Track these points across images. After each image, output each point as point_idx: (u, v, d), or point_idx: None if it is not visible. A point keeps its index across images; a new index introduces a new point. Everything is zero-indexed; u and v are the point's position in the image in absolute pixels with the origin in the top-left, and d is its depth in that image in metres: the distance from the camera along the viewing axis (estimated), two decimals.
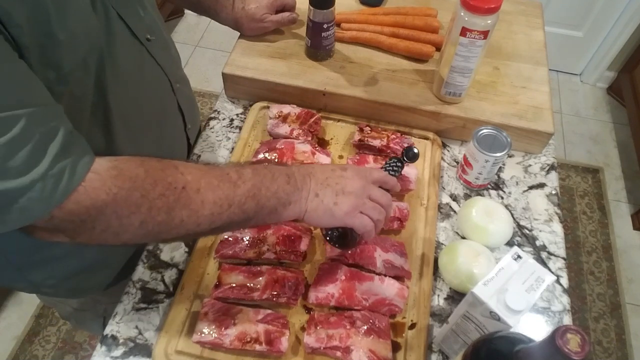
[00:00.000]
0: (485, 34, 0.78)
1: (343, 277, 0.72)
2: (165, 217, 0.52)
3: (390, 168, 0.71)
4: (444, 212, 0.85)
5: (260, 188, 0.57)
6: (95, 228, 0.49)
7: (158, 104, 0.74)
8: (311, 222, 0.61)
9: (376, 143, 0.87)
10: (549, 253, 0.81)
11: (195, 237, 0.77)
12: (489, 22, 0.77)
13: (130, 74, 0.64)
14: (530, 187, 0.89)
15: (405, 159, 0.72)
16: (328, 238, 0.67)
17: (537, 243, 0.82)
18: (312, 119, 0.90)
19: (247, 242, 0.75)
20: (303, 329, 0.69)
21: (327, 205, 0.60)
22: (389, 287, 0.71)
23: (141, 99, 0.68)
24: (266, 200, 0.58)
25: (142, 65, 0.67)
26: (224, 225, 0.56)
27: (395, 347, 0.68)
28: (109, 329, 0.71)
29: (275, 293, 0.70)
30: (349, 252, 0.74)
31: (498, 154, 0.79)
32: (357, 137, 0.88)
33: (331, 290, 0.71)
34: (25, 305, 1.66)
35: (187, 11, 2.66)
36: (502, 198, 0.88)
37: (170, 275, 0.76)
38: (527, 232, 0.83)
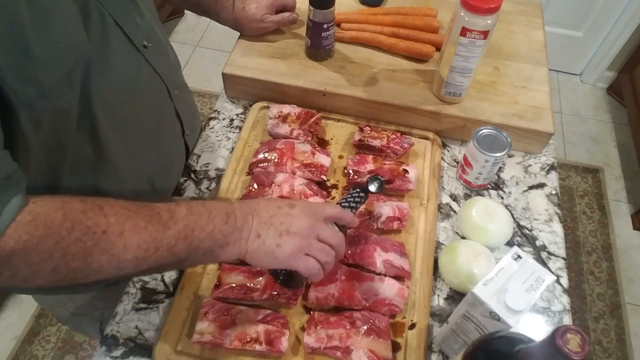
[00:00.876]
0: (485, 34, 0.78)
1: (343, 277, 0.72)
2: (81, 264, 0.49)
3: (352, 199, 0.67)
4: (444, 212, 0.85)
5: (194, 229, 0.54)
6: (2, 274, 0.47)
7: (155, 111, 0.73)
8: (253, 263, 0.59)
9: (376, 143, 0.87)
10: (549, 253, 0.81)
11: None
12: (489, 22, 0.77)
13: (124, 81, 0.63)
14: (530, 187, 0.89)
15: (369, 189, 0.68)
16: (274, 276, 0.63)
17: (537, 243, 0.82)
18: (312, 119, 0.90)
19: None
20: (303, 329, 0.69)
21: (268, 247, 0.57)
22: (389, 287, 0.71)
23: (136, 106, 0.68)
24: (199, 241, 0.55)
25: (138, 73, 0.66)
26: (152, 268, 0.54)
27: (395, 347, 0.68)
28: (109, 329, 0.71)
29: (275, 293, 0.70)
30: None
31: (498, 154, 0.79)
32: (357, 137, 0.88)
33: (331, 290, 0.71)
34: (25, 305, 1.66)
35: (187, 11, 2.66)
36: (502, 198, 0.88)
37: (170, 275, 0.76)
38: (527, 232, 0.83)
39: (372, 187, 0.68)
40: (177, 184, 0.86)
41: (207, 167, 0.89)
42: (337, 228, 0.63)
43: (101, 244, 0.49)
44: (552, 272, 0.76)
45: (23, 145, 0.53)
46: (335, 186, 0.86)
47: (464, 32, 0.78)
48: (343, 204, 0.67)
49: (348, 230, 0.76)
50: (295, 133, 0.89)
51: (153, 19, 0.71)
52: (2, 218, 0.45)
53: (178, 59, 0.86)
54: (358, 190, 0.68)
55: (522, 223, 0.84)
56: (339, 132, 0.93)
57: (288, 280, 0.62)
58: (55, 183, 0.62)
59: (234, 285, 0.70)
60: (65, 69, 0.52)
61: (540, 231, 0.83)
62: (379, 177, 0.69)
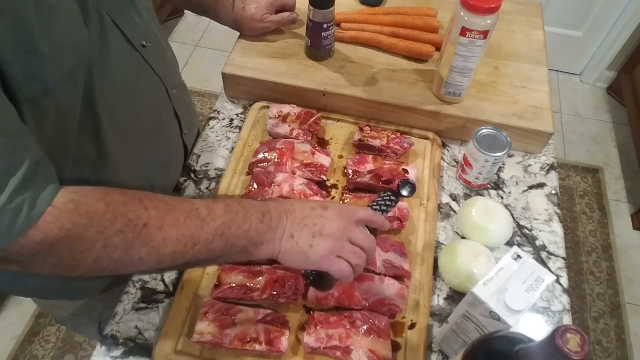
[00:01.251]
0: (485, 34, 0.78)
1: None
2: (122, 255, 0.50)
3: (383, 202, 0.66)
4: (444, 212, 0.85)
5: (231, 226, 0.55)
6: (47, 262, 0.48)
7: (153, 111, 0.73)
8: (285, 263, 0.59)
9: (376, 143, 0.87)
10: (549, 253, 0.81)
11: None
12: (489, 22, 0.77)
13: (124, 81, 0.63)
14: (530, 187, 0.89)
15: (401, 193, 0.67)
16: (305, 277, 0.63)
17: (537, 243, 0.82)
18: (312, 119, 0.90)
19: None
20: (303, 329, 0.69)
21: (302, 248, 0.57)
22: (389, 287, 0.71)
23: (136, 106, 0.68)
24: (236, 239, 0.55)
25: (137, 73, 0.66)
26: (189, 263, 0.55)
27: (395, 347, 0.68)
28: (109, 329, 0.71)
29: (275, 293, 0.70)
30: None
31: (498, 154, 0.79)
32: (357, 137, 0.88)
33: (331, 290, 0.71)
34: (25, 305, 1.66)
35: (187, 11, 2.66)
36: (502, 198, 0.88)
37: (170, 275, 0.76)
38: (527, 232, 0.83)
39: (405, 192, 0.67)
40: (176, 184, 0.86)
41: (207, 167, 0.89)
42: (368, 231, 0.62)
43: (142, 237, 0.50)
44: (552, 272, 0.76)
45: None
46: (335, 186, 0.86)
47: (464, 32, 0.78)
48: (374, 207, 0.66)
49: None
50: (295, 133, 0.89)
51: (151, 19, 0.71)
52: (39, 203, 0.45)
53: (176, 58, 0.86)
54: (389, 193, 0.67)
55: (522, 223, 0.84)
56: (339, 132, 0.93)
57: (318, 281, 0.62)
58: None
59: (234, 285, 0.70)
60: (68, 67, 0.52)
61: (540, 231, 0.83)
62: (411, 181, 0.68)
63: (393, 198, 0.67)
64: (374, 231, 0.64)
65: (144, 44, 0.66)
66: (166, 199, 0.54)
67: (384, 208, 0.66)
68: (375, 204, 0.67)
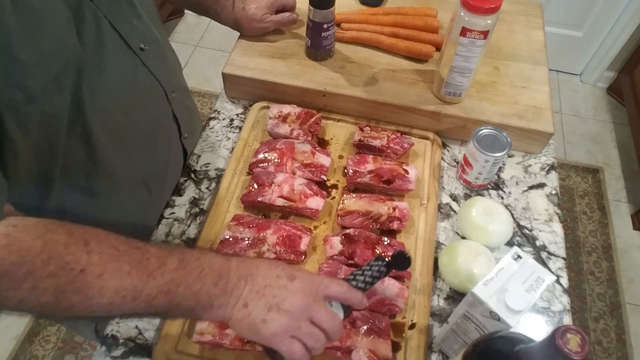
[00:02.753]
0: (485, 34, 0.78)
1: (343, 277, 0.72)
2: (50, 299, 0.46)
3: (370, 272, 0.59)
4: (444, 212, 0.85)
5: (180, 284, 0.50)
6: None
7: (150, 114, 0.72)
8: (236, 331, 0.55)
9: (376, 143, 0.87)
10: (549, 253, 0.81)
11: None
12: (489, 22, 0.77)
13: (119, 84, 0.63)
14: (530, 187, 0.89)
15: (396, 264, 0.60)
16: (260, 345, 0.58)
17: (537, 243, 0.82)
18: (312, 119, 0.90)
19: (247, 242, 0.75)
20: None
21: (253, 320, 0.52)
22: (389, 287, 0.71)
23: (132, 109, 0.67)
24: (182, 299, 0.51)
25: (133, 75, 0.66)
26: (126, 315, 0.51)
27: (395, 347, 0.68)
28: (109, 329, 0.71)
29: None
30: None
31: (498, 154, 0.79)
32: (357, 137, 0.88)
33: None
34: None
35: (187, 11, 2.66)
36: (502, 198, 0.88)
37: None
38: (527, 232, 0.83)
39: (398, 266, 0.60)
40: (174, 187, 0.86)
41: (207, 167, 0.89)
42: (339, 307, 0.57)
43: (76, 283, 0.46)
44: (552, 272, 0.76)
45: (11, 149, 0.53)
46: (335, 186, 0.86)
47: (464, 32, 0.78)
48: (358, 277, 0.59)
49: (350, 230, 0.76)
50: (295, 133, 0.89)
51: (152, 21, 0.71)
52: None
53: (179, 60, 0.86)
54: (380, 263, 0.60)
55: (522, 223, 0.84)
56: (339, 132, 0.93)
57: (271, 352, 0.56)
58: (47, 186, 0.61)
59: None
60: (53, 73, 0.51)
61: (540, 231, 0.83)
62: (406, 254, 0.60)
63: (383, 269, 0.60)
64: (347, 307, 0.58)
65: (142, 47, 0.66)
66: (118, 242, 0.50)
67: (369, 280, 0.59)
68: (360, 272, 0.60)
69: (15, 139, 0.52)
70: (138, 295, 0.49)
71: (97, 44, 0.57)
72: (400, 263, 0.60)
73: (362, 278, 0.59)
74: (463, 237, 0.81)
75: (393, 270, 0.60)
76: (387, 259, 0.61)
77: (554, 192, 0.89)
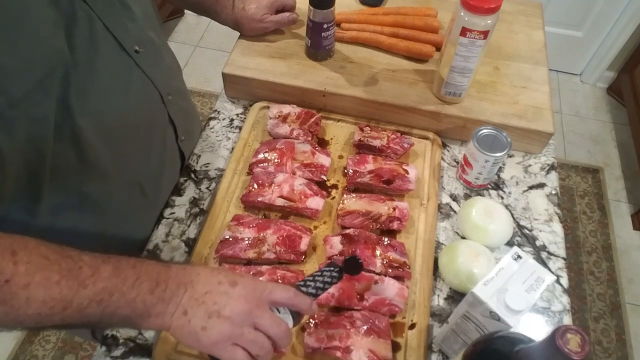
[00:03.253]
0: (485, 34, 0.78)
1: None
2: None
3: (321, 278, 0.59)
4: (444, 212, 0.85)
5: (113, 293, 0.49)
6: None
7: (144, 117, 0.71)
8: (177, 339, 0.53)
9: (376, 143, 0.87)
10: (549, 253, 0.81)
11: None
12: (489, 22, 0.77)
13: (112, 86, 0.62)
14: (530, 187, 0.89)
15: (347, 269, 0.60)
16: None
17: (537, 243, 0.82)
18: (312, 119, 0.90)
19: (247, 242, 0.75)
20: (303, 328, 0.69)
21: (193, 328, 0.51)
22: (389, 287, 0.71)
23: (125, 111, 0.66)
24: (116, 308, 0.49)
25: (128, 78, 0.65)
26: (58, 325, 0.50)
27: (395, 347, 0.68)
28: (109, 329, 0.71)
29: None
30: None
31: (498, 154, 0.79)
32: (357, 137, 0.88)
33: (331, 290, 0.71)
34: None
35: (187, 11, 2.66)
36: (502, 198, 0.88)
37: None
38: (527, 232, 0.83)
39: (350, 270, 0.60)
40: (171, 190, 0.86)
41: (207, 167, 0.89)
42: (287, 313, 0.56)
43: (1, 294, 0.45)
44: (552, 272, 0.76)
45: None
46: (335, 186, 0.86)
47: (464, 32, 0.78)
48: (307, 283, 0.59)
49: (350, 230, 0.76)
50: (295, 133, 0.89)
51: (149, 23, 0.71)
52: None
53: (177, 62, 0.85)
54: (332, 269, 0.60)
55: (522, 223, 0.84)
56: (339, 132, 0.93)
57: None
58: (36, 190, 0.61)
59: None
60: (37, 78, 0.51)
61: (540, 231, 0.83)
62: (358, 258, 0.61)
63: (335, 274, 0.60)
64: (296, 314, 0.56)
65: (137, 49, 0.65)
66: (49, 251, 0.49)
67: (320, 285, 0.58)
68: (311, 278, 0.59)
69: (1, 144, 0.51)
70: (68, 306, 0.47)
71: (90, 46, 0.56)
72: (352, 268, 0.60)
73: (312, 284, 0.58)
74: (463, 237, 0.81)
75: (345, 275, 0.60)
76: (339, 265, 0.60)
77: (554, 192, 0.89)
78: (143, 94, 0.70)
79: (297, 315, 0.57)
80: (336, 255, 0.74)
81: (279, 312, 0.56)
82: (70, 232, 0.68)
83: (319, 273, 0.60)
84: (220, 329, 0.51)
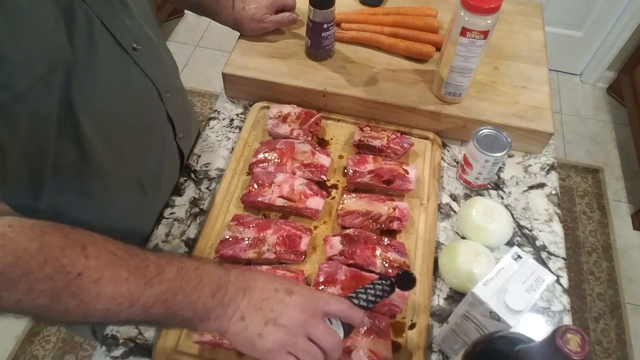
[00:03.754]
0: (485, 34, 0.78)
1: (343, 277, 0.72)
2: (46, 302, 0.45)
3: (373, 291, 0.58)
4: (444, 212, 0.85)
5: (177, 294, 0.50)
6: None
7: (143, 115, 0.72)
8: (232, 344, 0.54)
9: (376, 143, 0.87)
10: (549, 253, 0.81)
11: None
12: (489, 22, 0.77)
13: (111, 84, 0.62)
14: (530, 187, 0.89)
15: (400, 284, 0.59)
16: None
17: (537, 243, 0.82)
18: (312, 119, 0.90)
19: (247, 242, 0.75)
20: None
21: (250, 334, 0.52)
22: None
23: (124, 109, 0.66)
24: (179, 308, 0.50)
25: (126, 75, 0.65)
26: (122, 322, 0.51)
27: (395, 347, 0.68)
28: (109, 329, 0.71)
29: None
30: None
31: (498, 154, 0.79)
32: (357, 137, 0.88)
33: (331, 291, 0.71)
34: None
35: (187, 11, 2.66)
36: (502, 198, 0.88)
37: None
38: (527, 232, 0.83)
39: (403, 286, 0.59)
40: (172, 188, 0.86)
41: (207, 167, 0.89)
42: (339, 325, 0.56)
43: (72, 287, 0.46)
44: (552, 272, 0.76)
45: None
46: (335, 186, 0.86)
47: (464, 32, 0.78)
48: (360, 295, 0.58)
49: (350, 230, 0.76)
50: (295, 133, 0.89)
51: (147, 21, 0.71)
52: None
53: (175, 61, 0.85)
54: (384, 283, 0.59)
55: (522, 223, 0.84)
56: (339, 132, 0.93)
57: None
58: (38, 187, 0.61)
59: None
60: (40, 73, 0.51)
61: (540, 231, 0.83)
62: (412, 274, 0.59)
63: (387, 289, 0.58)
64: (347, 325, 0.56)
65: (135, 47, 0.65)
66: (116, 248, 0.49)
67: (372, 299, 0.58)
68: (363, 290, 0.58)
69: (3, 139, 0.51)
70: (135, 303, 0.48)
71: (89, 44, 0.57)
72: (404, 283, 0.59)
73: (364, 296, 0.58)
74: (463, 237, 0.81)
75: (397, 290, 0.59)
76: (391, 279, 0.59)
77: (554, 192, 0.89)
78: (141, 91, 0.70)
79: (348, 327, 0.56)
80: (336, 255, 0.74)
81: (331, 323, 0.56)
82: None
83: (371, 285, 0.59)
84: (276, 337, 0.51)
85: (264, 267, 0.73)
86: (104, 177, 0.68)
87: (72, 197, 0.66)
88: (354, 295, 0.58)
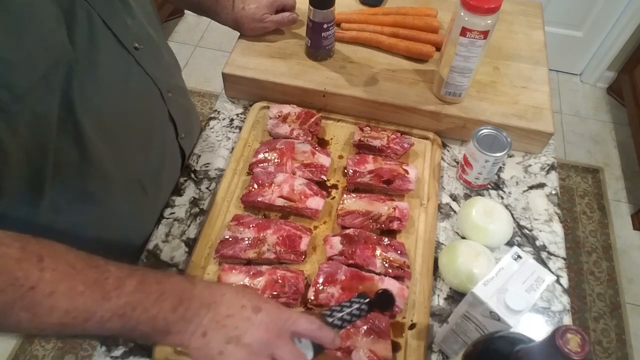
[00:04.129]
0: (485, 34, 0.78)
1: (343, 277, 0.72)
2: None
3: (349, 310, 0.56)
4: (444, 212, 0.85)
5: (136, 308, 0.49)
6: None
7: (144, 114, 0.71)
8: (194, 359, 0.52)
9: (376, 143, 0.87)
10: (549, 253, 0.81)
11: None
12: (489, 22, 0.77)
13: (112, 83, 0.62)
14: (530, 187, 0.89)
15: (378, 303, 0.57)
16: None
17: (537, 243, 0.82)
18: (312, 119, 0.90)
19: (247, 242, 0.75)
20: None
21: (210, 351, 0.50)
22: (389, 287, 0.71)
23: (125, 108, 0.66)
24: (137, 323, 0.49)
25: (127, 75, 0.65)
26: (78, 336, 0.51)
27: (395, 347, 0.68)
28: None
29: (275, 293, 0.70)
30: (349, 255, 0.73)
31: (498, 154, 0.79)
32: (357, 137, 0.88)
33: (331, 290, 0.71)
34: None
35: (187, 11, 2.66)
36: (502, 198, 0.88)
37: None
38: (527, 232, 0.83)
39: (382, 306, 0.57)
40: (172, 188, 0.86)
41: (207, 167, 0.89)
42: (309, 345, 0.54)
43: (25, 300, 0.45)
44: (552, 272, 0.76)
45: (0, 149, 0.52)
46: (335, 186, 0.86)
47: (464, 32, 0.78)
48: (334, 313, 0.56)
49: (350, 230, 0.76)
50: (295, 133, 0.89)
51: (148, 20, 0.70)
52: None
53: (177, 60, 0.85)
54: (362, 300, 0.56)
55: (522, 223, 0.84)
56: (339, 132, 0.93)
57: None
58: (38, 186, 0.61)
59: (234, 285, 0.70)
60: (41, 73, 0.51)
61: (540, 231, 0.83)
62: (390, 293, 0.58)
63: (364, 307, 0.56)
64: (320, 346, 0.54)
65: (137, 46, 0.65)
66: (76, 260, 0.49)
67: (347, 317, 0.56)
68: (339, 308, 0.56)
69: (4, 139, 0.51)
70: (90, 317, 0.47)
71: (90, 43, 0.56)
72: (383, 303, 0.58)
73: (339, 315, 0.56)
74: (463, 237, 0.81)
75: (375, 310, 0.57)
76: (370, 297, 0.57)
77: (554, 192, 0.89)
78: (143, 91, 0.70)
79: (318, 348, 0.54)
80: (336, 255, 0.74)
81: (300, 342, 0.54)
82: (71, 230, 0.68)
83: (348, 303, 0.57)
84: (237, 357, 0.50)
85: (264, 267, 0.73)
86: (105, 177, 0.68)
87: (72, 197, 0.66)
88: (328, 313, 0.56)
